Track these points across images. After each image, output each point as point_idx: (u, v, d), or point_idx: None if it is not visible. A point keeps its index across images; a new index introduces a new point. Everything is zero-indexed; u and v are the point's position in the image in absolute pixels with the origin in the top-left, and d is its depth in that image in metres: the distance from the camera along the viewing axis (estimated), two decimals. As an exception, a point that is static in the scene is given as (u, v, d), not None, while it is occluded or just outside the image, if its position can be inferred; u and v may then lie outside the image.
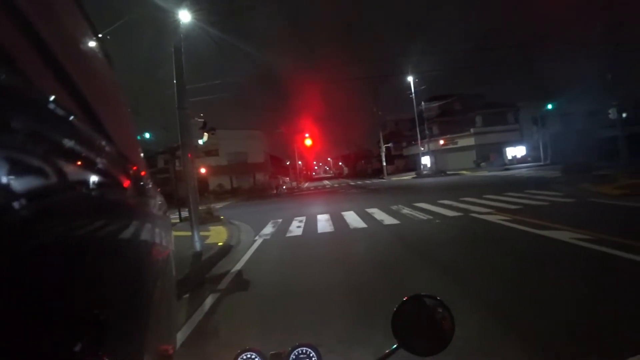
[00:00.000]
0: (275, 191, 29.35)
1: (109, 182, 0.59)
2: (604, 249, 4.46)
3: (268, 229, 8.97)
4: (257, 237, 7.93)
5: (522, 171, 24.17)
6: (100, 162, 0.55)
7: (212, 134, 11.51)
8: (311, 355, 0.84)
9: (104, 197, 0.55)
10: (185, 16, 7.51)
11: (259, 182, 35.00)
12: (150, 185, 1.11)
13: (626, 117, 16.67)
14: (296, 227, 8.82)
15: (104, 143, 0.61)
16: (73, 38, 0.64)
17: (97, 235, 0.47)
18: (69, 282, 0.36)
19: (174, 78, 7.37)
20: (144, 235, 0.75)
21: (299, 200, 18.89)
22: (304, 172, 62.39)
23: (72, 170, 0.43)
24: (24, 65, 0.35)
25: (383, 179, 34.26)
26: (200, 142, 11.42)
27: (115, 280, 0.51)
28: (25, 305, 0.28)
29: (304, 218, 10.31)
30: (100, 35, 0.95)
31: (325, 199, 18.02)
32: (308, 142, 36.70)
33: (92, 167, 0.51)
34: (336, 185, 32.61)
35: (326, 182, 44.24)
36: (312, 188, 31.71)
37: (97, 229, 0.47)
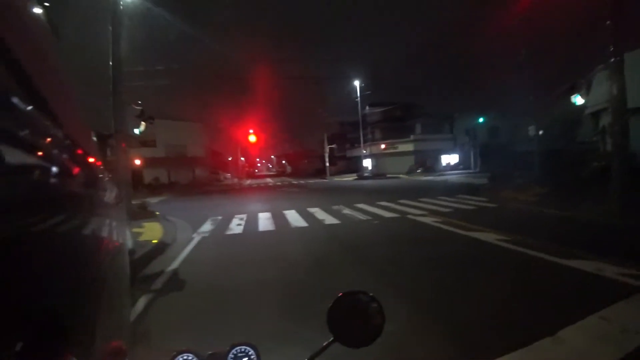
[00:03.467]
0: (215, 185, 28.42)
1: (58, 171, 0.56)
2: (520, 249, 5.15)
3: (207, 227, 8.70)
4: (194, 235, 7.67)
5: (454, 177, 26.10)
6: (49, 151, 0.53)
7: (150, 123, 10.81)
8: (250, 353, 0.85)
9: (53, 187, 0.52)
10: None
11: (199, 177, 33.63)
12: (103, 175, 1.05)
13: (541, 134, 18.88)
14: (236, 225, 8.67)
15: (53, 131, 0.58)
16: (22, 18, 0.60)
17: (46, 226, 0.45)
18: (16, 275, 0.35)
19: (110, 56, 6.74)
20: (95, 226, 0.72)
21: (240, 197, 18.54)
22: (247, 169, 61.12)
23: (20, 159, 0.41)
24: None
25: (325, 179, 34.84)
26: (137, 131, 10.66)
27: (65, 272, 0.49)
28: None
29: (244, 216, 10.17)
30: (47, 8, 0.88)
31: (267, 196, 17.91)
32: (252, 138, 35.96)
33: (40, 156, 0.49)
34: (279, 183, 32.47)
35: (269, 179, 43.78)
36: (254, 185, 31.24)
37: (45, 220, 0.45)
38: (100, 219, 0.80)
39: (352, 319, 0.85)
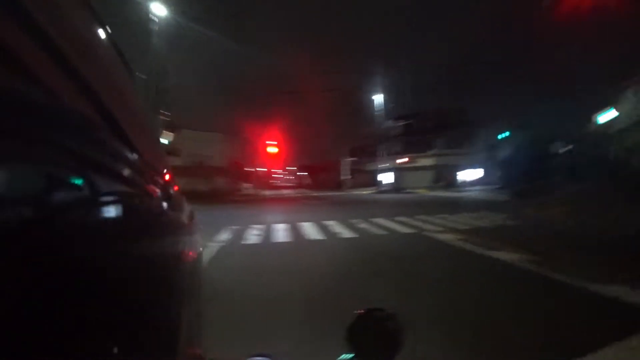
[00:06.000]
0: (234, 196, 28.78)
1: (137, 192, 0.59)
2: (540, 269, 4.92)
3: (223, 236, 8.76)
4: (211, 243, 7.73)
5: (475, 193, 25.53)
6: (125, 173, 0.55)
7: (178, 133, 11.13)
8: None
9: (133, 209, 0.54)
10: (159, 9, 7.28)
11: (220, 186, 34.15)
12: (175, 192, 1.09)
13: (570, 149, 18.40)
14: (253, 235, 8.70)
15: (129, 153, 0.60)
16: (92, 44, 0.62)
17: (128, 248, 0.47)
18: (101, 295, 0.37)
19: (149, 67, 7.02)
20: (175, 246, 0.75)
21: (259, 207, 18.67)
22: (266, 180, 61.79)
23: (98, 183, 0.43)
24: (43, 76, 0.34)
25: (343, 191, 34.74)
26: (165, 141, 10.98)
27: (150, 291, 0.51)
28: (58, 321, 0.28)
29: (261, 226, 10.20)
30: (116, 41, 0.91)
31: (285, 208, 17.96)
32: (272, 149, 36.54)
33: (116, 178, 0.51)
34: (297, 195, 32.62)
35: (287, 191, 44.10)
36: (272, 196, 31.46)
37: (127, 242, 0.47)
38: (180, 238, 0.84)
39: (372, 335, 0.84)
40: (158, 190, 0.77)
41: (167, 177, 1.01)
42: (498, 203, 15.58)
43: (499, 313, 3.52)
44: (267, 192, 41.36)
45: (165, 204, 0.80)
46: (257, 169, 43.38)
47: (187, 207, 1.20)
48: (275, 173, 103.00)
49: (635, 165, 13.85)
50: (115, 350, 0.36)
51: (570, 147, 18.40)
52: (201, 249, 1.20)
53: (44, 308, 0.26)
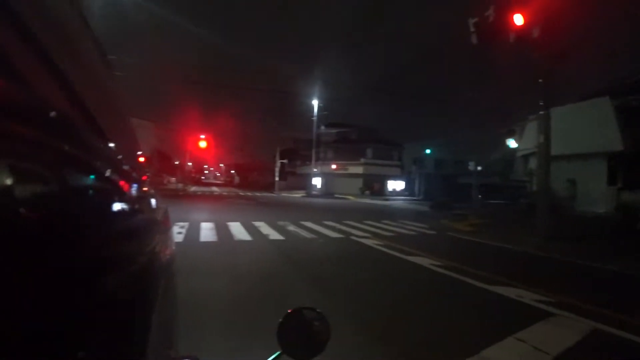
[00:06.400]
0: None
1: (111, 188, 0.57)
2: (452, 273, 5.51)
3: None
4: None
5: (399, 203, 27.26)
6: (102, 168, 0.53)
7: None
8: None
9: (106, 205, 0.53)
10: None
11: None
12: (149, 187, 1.02)
13: (480, 170, 20.66)
14: (176, 234, 8.25)
15: (104, 148, 0.59)
16: (74, 43, 0.60)
17: (100, 243, 0.45)
18: (71, 290, 0.35)
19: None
20: (147, 241, 0.72)
21: (184, 204, 17.75)
22: (193, 175, 58.84)
23: (73, 177, 0.42)
24: (25, 72, 0.33)
25: (273, 193, 34.59)
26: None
27: (120, 288, 0.49)
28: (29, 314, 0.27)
29: (186, 224, 9.74)
30: (98, 38, 0.85)
31: (212, 206, 17.35)
32: (202, 144, 34.93)
33: (92, 173, 0.49)
34: (225, 193, 31.61)
35: (215, 188, 42.42)
36: (199, 193, 30.07)
37: (99, 237, 0.46)
38: (152, 233, 0.81)
39: (300, 333, 0.90)
40: (132, 185, 0.75)
41: (142, 172, 0.98)
42: (419, 213, 16.95)
43: (411, 309, 3.89)
44: (193, 188, 39.46)
45: (138, 200, 0.79)
46: (185, 163, 41.11)
47: (161, 204, 1.16)
48: (204, 169, 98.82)
49: (532, 188, 16.02)
50: (82, 353, 0.35)
51: (480, 168, 20.75)
52: (174, 247, 1.16)
53: (8, 308, 0.25)
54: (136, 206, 0.75)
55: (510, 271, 5.81)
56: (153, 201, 1.04)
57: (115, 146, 0.67)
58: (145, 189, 0.98)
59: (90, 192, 0.47)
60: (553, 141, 9.05)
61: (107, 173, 0.57)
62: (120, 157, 0.66)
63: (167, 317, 0.84)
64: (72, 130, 0.46)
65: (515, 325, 3.43)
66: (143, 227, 0.73)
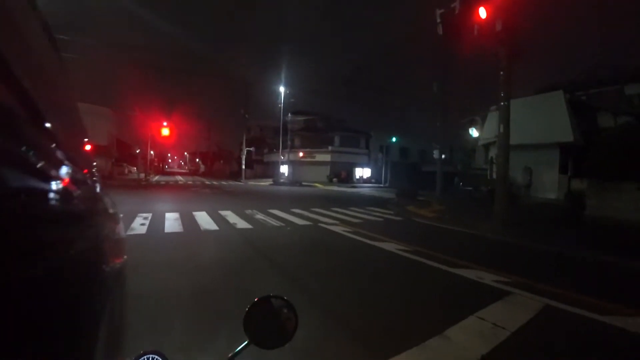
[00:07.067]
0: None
1: (57, 186, 0.53)
2: (417, 258, 5.73)
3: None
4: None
5: (366, 190, 27.72)
6: (48, 165, 0.49)
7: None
8: None
9: (51, 203, 0.49)
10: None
11: (99, 168, 30.07)
12: (98, 185, 0.96)
13: (444, 158, 21.40)
14: (139, 225, 7.95)
15: (50, 144, 0.55)
16: (22, 33, 0.54)
17: (43, 243, 0.42)
18: (16, 292, 0.33)
19: None
20: (96, 243, 0.67)
21: (147, 194, 17.10)
22: (156, 164, 56.57)
23: (17, 174, 0.38)
24: None
25: (240, 182, 34.05)
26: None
27: (64, 293, 0.46)
28: None
29: (149, 215, 9.39)
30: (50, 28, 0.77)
31: (177, 195, 16.84)
32: (165, 131, 33.52)
33: (37, 170, 0.45)
34: (190, 182, 30.73)
35: (180, 177, 41.12)
36: (162, 182, 29.03)
37: (42, 236, 0.42)
38: (101, 234, 0.76)
39: (267, 322, 0.89)
40: (81, 176, 0.71)
41: (91, 170, 0.92)
42: (385, 200, 17.32)
43: (377, 293, 4.00)
44: (157, 177, 38.08)
45: (89, 191, 0.75)
46: (148, 151, 39.34)
47: (109, 196, 1.10)
48: (167, 157, 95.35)
49: (493, 176, 16.85)
50: (29, 350, 0.34)
51: (444, 156, 21.49)
52: (124, 240, 1.10)
53: None
54: (82, 208, 0.68)
55: (471, 254, 6.11)
56: (105, 194, 0.98)
57: (51, 132, 0.59)
58: (87, 182, 0.87)
59: (32, 191, 0.43)
60: (511, 131, 9.50)
61: (52, 170, 0.52)
62: (53, 145, 0.58)
63: (116, 316, 0.81)
64: (15, 122, 0.42)
65: (476, 305, 3.64)
66: (90, 220, 0.68)
